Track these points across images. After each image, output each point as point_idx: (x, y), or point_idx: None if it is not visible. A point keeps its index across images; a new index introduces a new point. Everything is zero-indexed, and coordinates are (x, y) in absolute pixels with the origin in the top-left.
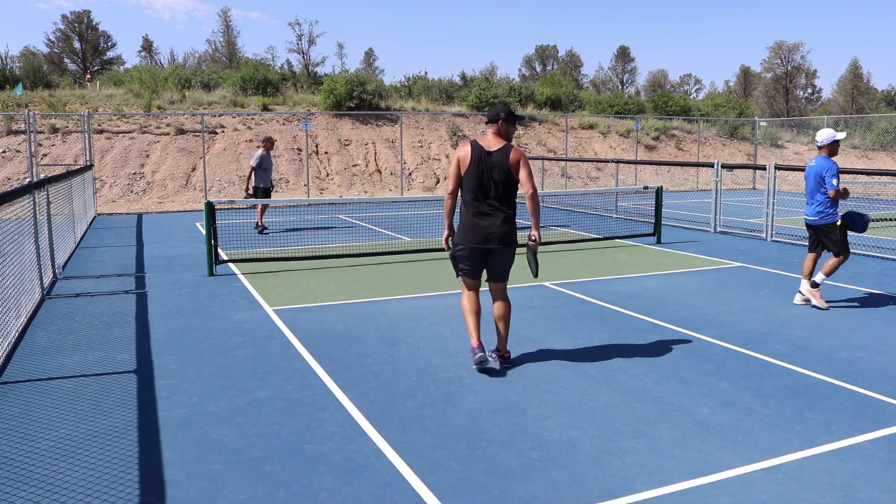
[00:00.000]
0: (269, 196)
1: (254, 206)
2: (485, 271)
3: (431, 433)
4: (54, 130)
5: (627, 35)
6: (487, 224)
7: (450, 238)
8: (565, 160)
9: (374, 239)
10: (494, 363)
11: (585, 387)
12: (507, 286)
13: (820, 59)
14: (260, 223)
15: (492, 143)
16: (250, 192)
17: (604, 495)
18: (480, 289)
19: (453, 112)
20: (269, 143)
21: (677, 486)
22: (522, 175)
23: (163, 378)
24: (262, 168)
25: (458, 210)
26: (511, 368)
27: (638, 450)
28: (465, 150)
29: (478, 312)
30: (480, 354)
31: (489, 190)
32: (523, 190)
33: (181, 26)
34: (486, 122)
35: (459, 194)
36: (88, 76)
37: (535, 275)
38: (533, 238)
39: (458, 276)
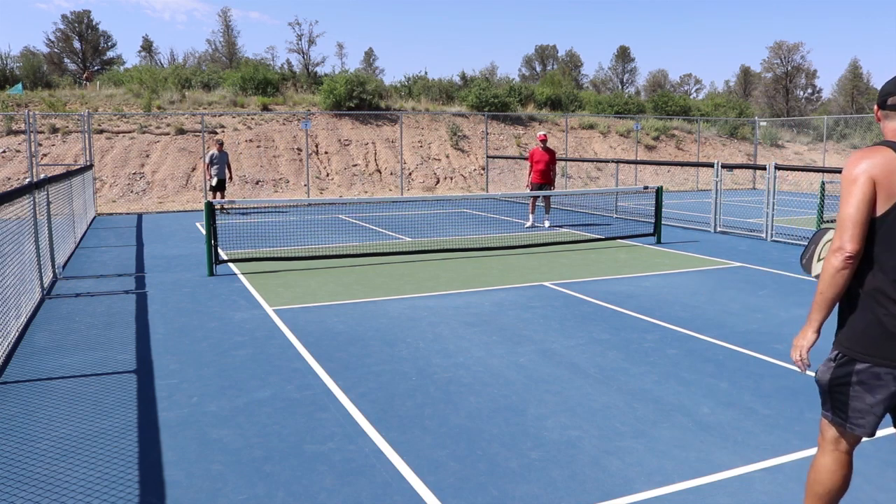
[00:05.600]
0: (223, 186)
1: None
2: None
3: (431, 433)
4: (54, 130)
5: (627, 35)
6: None
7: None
8: (565, 160)
9: (374, 239)
10: None
11: (585, 387)
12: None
13: (820, 59)
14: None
15: None
16: (212, 183)
17: (604, 495)
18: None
19: (453, 112)
20: (219, 145)
21: (677, 486)
22: None
23: (163, 378)
24: (213, 164)
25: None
26: (511, 368)
27: (638, 450)
28: (877, 160)
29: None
30: None
31: None
32: None
33: (181, 26)
34: (882, 107)
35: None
36: (86, 75)
37: None
38: None
39: (843, 425)
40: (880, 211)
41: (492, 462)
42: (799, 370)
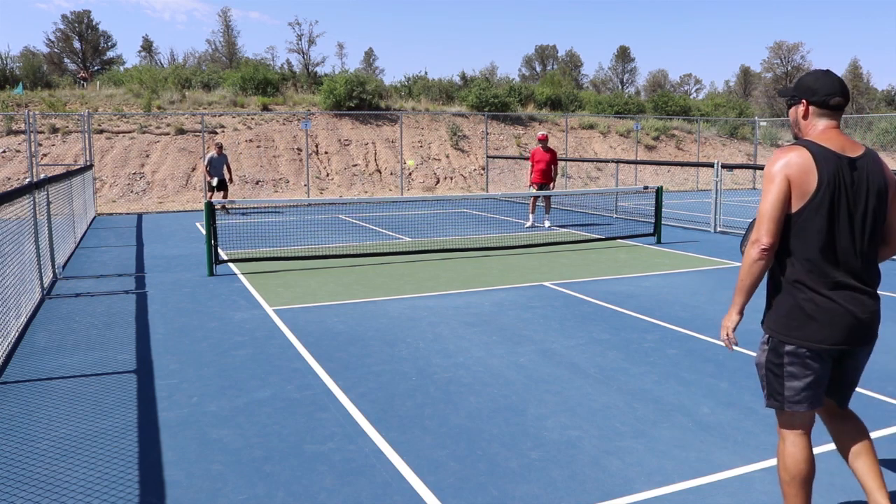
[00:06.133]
0: (224, 186)
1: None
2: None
3: (431, 433)
4: (54, 130)
5: (627, 35)
6: (860, 303)
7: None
8: (565, 160)
9: (374, 239)
10: None
11: (585, 387)
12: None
13: (820, 59)
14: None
15: (846, 144)
16: (213, 183)
17: (604, 495)
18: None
19: (453, 112)
20: (218, 148)
21: (677, 486)
22: None
23: (163, 378)
24: (212, 166)
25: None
26: (511, 368)
27: (638, 450)
28: (793, 160)
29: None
30: None
31: (859, 236)
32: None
33: (181, 26)
34: (818, 104)
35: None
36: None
37: None
38: None
39: (781, 407)
40: (795, 208)
41: (492, 462)
42: (727, 348)
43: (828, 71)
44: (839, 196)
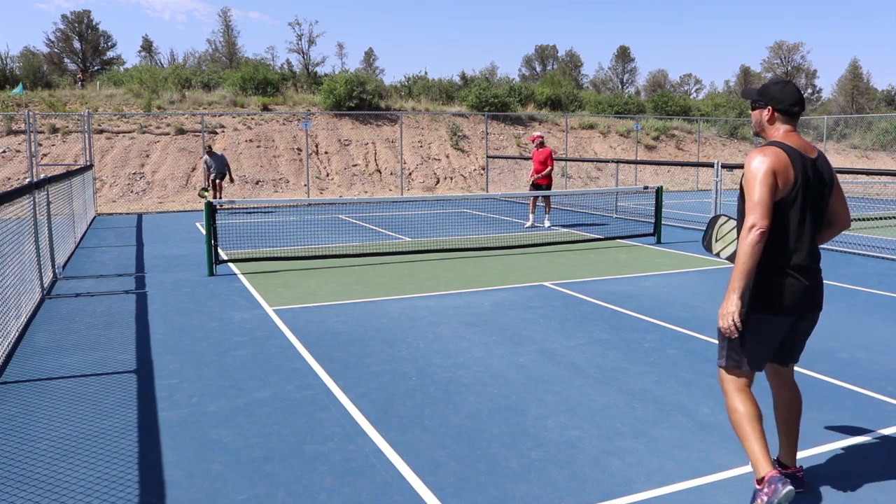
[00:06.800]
0: (217, 185)
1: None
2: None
3: (431, 433)
4: (54, 130)
5: (627, 35)
6: (813, 279)
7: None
8: (565, 160)
9: (374, 239)
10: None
11: (585, 387)
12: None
13: (820, 59)
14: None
15: (805, 146)
16: (212, 177)
17: (604, 495)
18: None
19: (453, 112)
20: (208, 149)
21: (677, 486)
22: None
23: (163, 378)
24: (209, 166)
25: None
26: (511, 368)
27: (638, 450)
28: (772, 157)
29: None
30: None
31: (817, 224)
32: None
33: (181, 26)
34: (782, 112)
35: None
36: (80, 74)
37: None
38: None
39: (739, 367)
40: (777, 198)
41: (492, 462)
42: (730, 335)
43: (789, 81)
44: (806, 190)
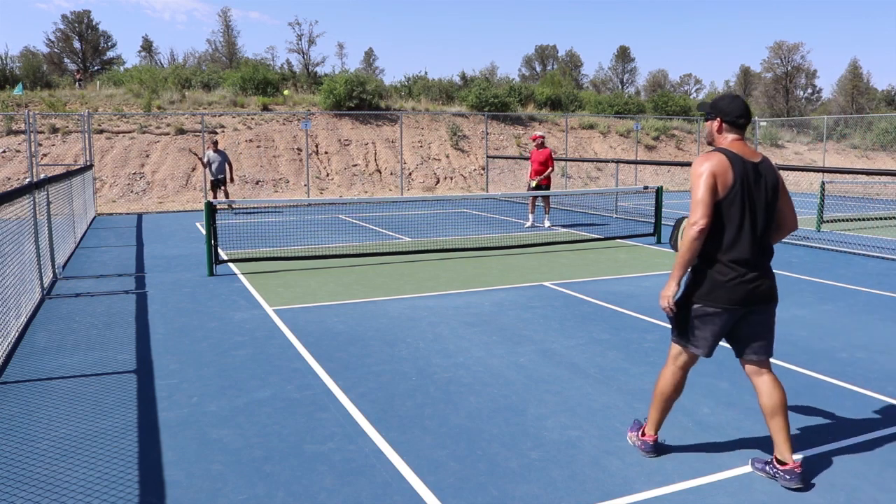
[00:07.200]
0: (218, 184)
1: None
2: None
3: (431, 433)
4: (54, 130)
5: (627, 35)
6: (754, 273)
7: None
8: (565, 160)
9: (374, 239)
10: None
11: (585, 387)
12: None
13: (820, 59)
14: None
15: (749, 153)
16: (212, 178)
17: (604, 495)
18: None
19: (453, 112)
20: (212, 145)
21: (677, 486)
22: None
23: (163, 378)
24: (210, 162)
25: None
26: (511, 368)
27: (638, 450)
28: (715, 161)
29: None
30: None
31: (760, 223)
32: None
33: (181, 26)
34: (729, 123)
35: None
36: (78, 75)
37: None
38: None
39: (686, 347)
40: (718, 198)
41: (492, 462)
42: (668, 314)
43: (737, 96)
44: (746, 192)
